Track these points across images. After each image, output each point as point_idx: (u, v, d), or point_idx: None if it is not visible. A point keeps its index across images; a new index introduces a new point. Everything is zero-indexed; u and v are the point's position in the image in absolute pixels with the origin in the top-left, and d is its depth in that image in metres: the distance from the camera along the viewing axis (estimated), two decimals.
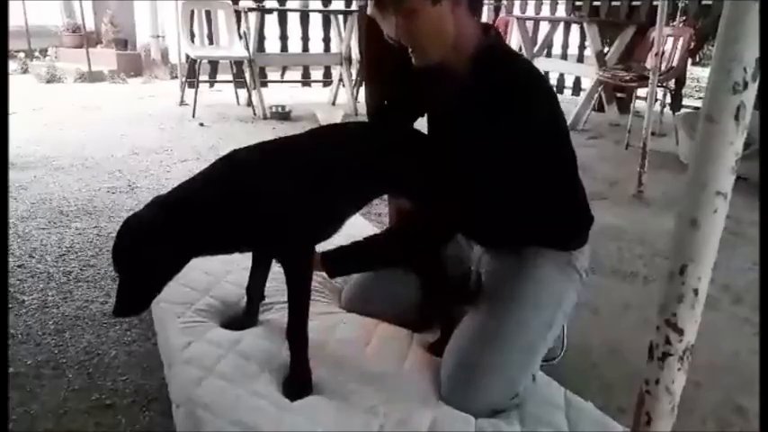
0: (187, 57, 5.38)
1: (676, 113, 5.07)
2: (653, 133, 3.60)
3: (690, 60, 5.08)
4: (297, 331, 1.24)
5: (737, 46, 0.55)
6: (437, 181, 1.30)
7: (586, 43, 5.64)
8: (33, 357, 1.59)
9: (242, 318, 1.46)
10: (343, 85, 5.59)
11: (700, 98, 6.78)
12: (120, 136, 4.15)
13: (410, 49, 1.28)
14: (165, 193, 1.19)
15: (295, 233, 1.24)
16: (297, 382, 1.21)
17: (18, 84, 6.06)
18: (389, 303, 1.48)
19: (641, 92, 4.45)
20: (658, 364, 0.64)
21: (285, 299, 1.55)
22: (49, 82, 6.50)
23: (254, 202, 1.19)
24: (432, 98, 1.40)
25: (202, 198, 1.18)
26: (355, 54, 5.46)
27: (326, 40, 6.39)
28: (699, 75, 8.11)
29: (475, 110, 1.23)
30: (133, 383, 1.50)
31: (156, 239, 1.11)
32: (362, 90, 5.53)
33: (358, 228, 1.73)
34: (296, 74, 6.71)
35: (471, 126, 1.24)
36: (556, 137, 1.31)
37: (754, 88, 0.56)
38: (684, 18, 4.92)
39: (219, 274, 1.72)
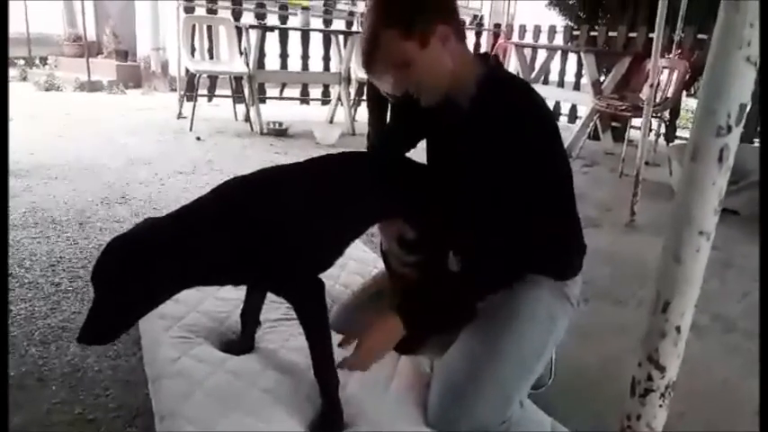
0: (187, 70, 5.41)
1: (670, 144, 5.13)
2: (647, 163, 3.64)
3: (684, 92, 5.14)
4: (323, 371, 1.20)
5: (722, 90, 0.56)
6: (436, 206, 1.30)
7: (583, 72, 5.71)
8: (17, 368, 1.58)
9: (238, 342, 1.44)
10: (342, 104, 5.62)
11: None
12: (116, 147, 4.16)
13: (415, 95, 1.28)
14: (161, 216, 1.14)
15: (297, 265, 1.20)
16: (329, 422, 1.18)
17: (16, 91, 6.07)
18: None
19: (636, 121, 4.50)
20: (640, 401, 0.65)
21: (275, 317, 1.57)
22: (47, 90, 6.52)
23: (255, 230, 1.14)
24: (437, 129, 1.40)
25: (200, 223, 1.12)
26: (354, 74, 5.51)
27: (326, 59, 6.45)
28: (693, 106, 8.21)
29: (482, 138, 1.23)
30: (117, 398, 1.49)
31: (150, 261, 1.04)
32: (359, 109, 5.58)
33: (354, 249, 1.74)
34: (295, 91, 6.75)
35: (478, 155, 1.23)
36: (557, 167, 1.30)
37: (737, 131, 0.57)
38: (680, 50, 5.00)
39: (209, 289, 1.72)
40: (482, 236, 1.28)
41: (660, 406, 0.64)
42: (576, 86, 6.54)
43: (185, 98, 5.45)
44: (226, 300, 1.67)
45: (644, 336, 0.65)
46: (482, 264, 1.28)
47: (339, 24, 6.62)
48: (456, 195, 1.27)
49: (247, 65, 5.14)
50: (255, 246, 1.14)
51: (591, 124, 5.17)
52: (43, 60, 7.28)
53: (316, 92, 6.81)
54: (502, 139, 1.20)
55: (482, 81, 1.27)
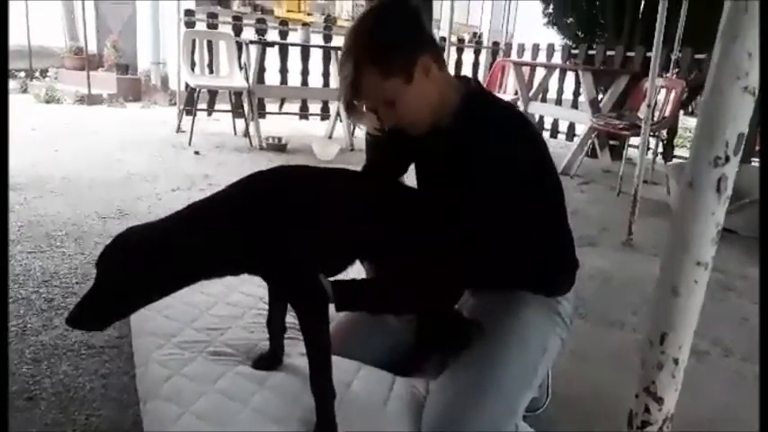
0: (187, 85, 5.43)
1: (668, 163, 5.14)
2: (645, 181, 3.64)
3: (682, 111, 5.17)
4: (320, 384, 1.18)
5: (720, 120, 0.55)
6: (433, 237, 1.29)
7: (581, 90, 5.74)
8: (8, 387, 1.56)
9: (267, 355, 1.42)
10: (341, 120, 5.63)
11: None
12: (114, 161, 4.16)
13: (402, 127, 1.29)
14: (178, 211, 1.15)
15: (299, 267, 1.19)
16: None
17: (16, 103, 6.08)
18: (373, 347, 1.46)
19: (634, 140, 4.51)
20: None
21: (267, 336, 1.55)
22: (47, 102, 6.53)
23: (265, 229, 1.15)
24: (423, 155, 1.41)
25: (213, 220, 1.13)
26: None
27: (326, 75, 6.48)
28: (691, 125, 8.24)
29: (463, 161, 1.23)
30: (108, 419, 1.46)
31: (160, 256, 1.06)
32: (359, 126, 5.58)
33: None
34: (294, 106, 6.77)
35: (461, 177, 1.23)
36: (544, 181, 1.30)
37: (735, 161, 0.57)
38: (677, 70, 5.03)
39: (203, 306, 1.70)
40: (469, 247, 1.26)
41: None
42: (574, 105, 6.56)
43: (185, 112, 5.46)
44: (220, 316, 1.65)
45: (641, 367, 0.64)
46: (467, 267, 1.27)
47: (339, 41, 6.65)
48: (447, 218, 1.26)
49: (247, 80, 5.16)
50: (261, 245, 1.14)
51: (589, 142, 5.18)
52: (44, 73, 7.31)
53: (315, 107, 6.83)
54: (487, 157, 1.19)
55: (464, 103, 1.28)
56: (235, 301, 1.75)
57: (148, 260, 1.06)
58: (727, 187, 0.57)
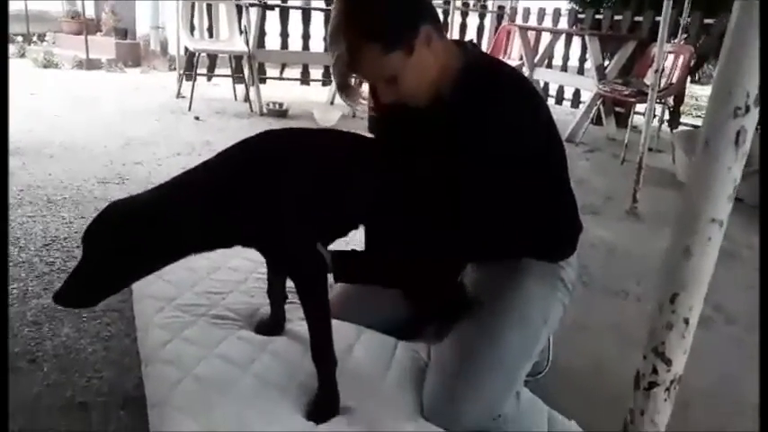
0: (186, 49, 5.34)
1: (674, 131, 5.08)
2: (650, 149, 3.59)
3: (689, 78, 5.08)
4: (322, 351, 1.17)
5: (742, 67, 0.52)
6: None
7: (587, 56, 5.64)
8: (10, 349, 1.55)
9: (268, 321, 1.42)
10: None
11: (698, 116, 6.80)
12: (114, 126, 4.11)
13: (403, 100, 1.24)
14: (163, 183, 1.12)
15: (294, 237, 1.17)
16: (325, 405, 1.16)
17: (14, 68, 6.00)
18: (373, 311, 1.45)
19: (640, 107, 4.45)
20: (644, 394, 0.62)
21: (268, 301, 1.54)
22: (45, 67, 6.45)
23: (257, 198, 1.12)
24: (423, 128, 1.36)
25: (200, 192, 1.11)
26: None
27: (327, 39, 6.37)
28: (698, 93, 8.14)
29: (464, 134, 1.18)
30: (109, 381, 1.46)
31: (147, 229, 1.02)
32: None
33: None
34: (295, 71, 6.68)
35: (461, 150, 1.17)
36: (547, 151, 1.26)
37: (755, 113, 0.54)
38: (686, 36, 4.93)
39: (204, 271, 1.69)
40: (469, 217, 1.23)
41: (665, 400, 0.62)
42: (580, 71, 6.46)
43: (184, 77, 5.38)
44: (222, 281, 1.64)
45: (650, 328, 0.62)
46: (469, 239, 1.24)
47: None
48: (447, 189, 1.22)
49: (247, 44, 5.07)
50: (256, 214, 1.12)
51: (594, 109, 5.11)
52: (41, 37, 7.20)
53: (316, 72, 6.73)
54: (489, 131, 1.15)
55: (465, 72, 1.22)
56: (236, 266, 1.74)
57: (136, 234, 1.02)
58: (746, 140, 0.54)
